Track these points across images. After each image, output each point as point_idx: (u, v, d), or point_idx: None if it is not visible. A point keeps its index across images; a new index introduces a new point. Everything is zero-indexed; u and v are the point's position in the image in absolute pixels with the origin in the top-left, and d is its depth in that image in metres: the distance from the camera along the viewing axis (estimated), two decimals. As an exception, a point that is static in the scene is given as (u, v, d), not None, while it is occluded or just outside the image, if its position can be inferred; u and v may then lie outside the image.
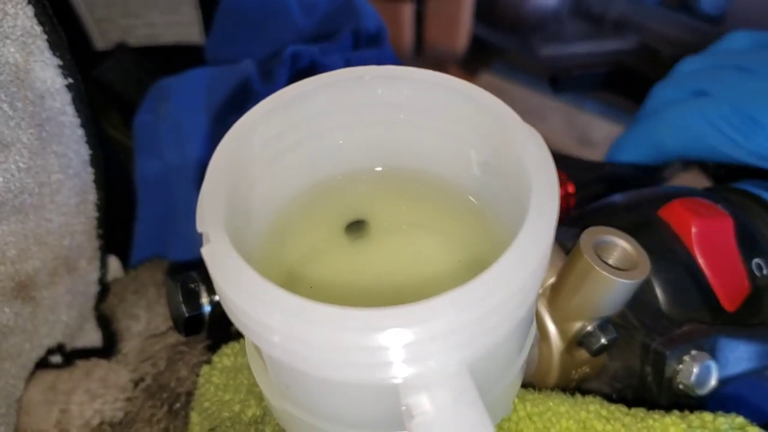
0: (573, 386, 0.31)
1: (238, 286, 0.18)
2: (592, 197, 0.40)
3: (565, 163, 0.41)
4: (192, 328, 0.29)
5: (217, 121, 0.45)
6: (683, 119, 0.40)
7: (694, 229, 0.31)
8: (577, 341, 0.29)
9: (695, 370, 0.27)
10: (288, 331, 0.17)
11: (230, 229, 0.20)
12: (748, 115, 0.36)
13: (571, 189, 0.39)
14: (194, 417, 0.31)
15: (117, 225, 0.42)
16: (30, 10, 0.30)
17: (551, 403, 0.27)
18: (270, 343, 0.18)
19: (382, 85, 0.25)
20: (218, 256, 0.19)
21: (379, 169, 0.28)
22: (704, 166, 0.48)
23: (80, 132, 0.35)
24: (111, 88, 0.53)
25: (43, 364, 0.36)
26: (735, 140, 0.37)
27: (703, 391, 0.27)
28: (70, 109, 0.34)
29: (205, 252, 0.19)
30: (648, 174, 0.45)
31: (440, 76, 0.24)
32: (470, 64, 1.04)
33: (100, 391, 0.34)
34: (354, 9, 0.53)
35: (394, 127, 0.26)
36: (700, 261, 0.31)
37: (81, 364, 0.36)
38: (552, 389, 0.29)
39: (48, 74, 0.32)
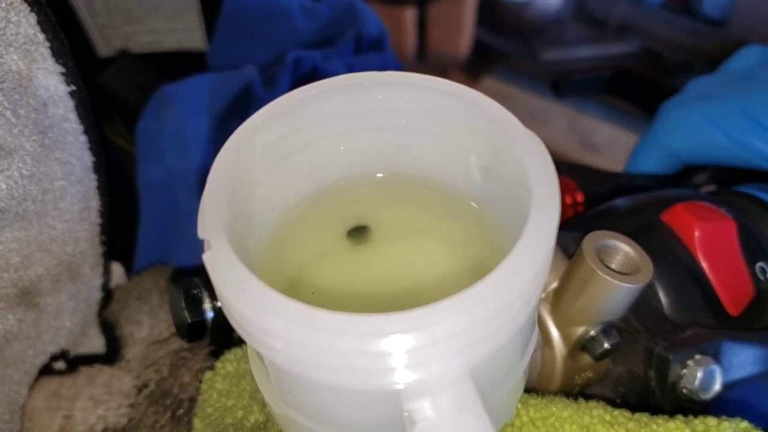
0: (576, 391, 0.31)
1: (239, 292, 0.18)
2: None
3: (577, 173, 0.41)
4: (195, 334, 0.29)
5: (219, 126, 0.45)
6: (688, 120, 0.40)
7: (697, 233, 0.31)
8: (581, 346, 0.29)
9: (699, 374, 0.27)
10: (290, 337, 0.17)
11: (232, 235, 0.20)
12: (754, 118, 0.36)
13: (579, 198, 0.39)
14: (197, 423, 0.31)
15: (120, 231, 0.43)
16: (33, 18, 0.30)
17: (554, 408, 0.27)
18: (272, 350, 0.18)
19: (383, 90, 0.25)
20: (219, 263, 0.19)
21: (380, 174, 0.28)
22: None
23: (83, 139, 0.35)
24: (114, 94, 0.53)
25: (46, 370, 0.36)
26: (740, 142, 0.37)
27: (707, 395, 0.27)
28: (73, 116, 0.34)
29: (207, 258, 0.19)
30: (670, 185, 0.45)
31: (441, 81, 0.24)
32: (473, 69, 1.04)
33: (103, 397, 0.34)
34: (356, 14, 0.53)
35: (395, 132, 0.26)
36: (704, 265, 0.31)
37: (84, 371, 0.36)
38: (555, 394, 0.29)
39: (51, 81, 0.32)
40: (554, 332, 0.29)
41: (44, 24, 0.31)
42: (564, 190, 0.37)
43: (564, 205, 0.37)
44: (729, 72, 0.43)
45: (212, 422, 0.31)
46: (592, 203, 0.39)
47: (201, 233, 0.20)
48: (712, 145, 0.39)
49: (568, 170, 0.40)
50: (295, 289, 0.24)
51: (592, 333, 0.28)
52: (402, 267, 0.25)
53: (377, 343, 0.16)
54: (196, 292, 0.29)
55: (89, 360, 0.37)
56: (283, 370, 0.19)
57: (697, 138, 0.39)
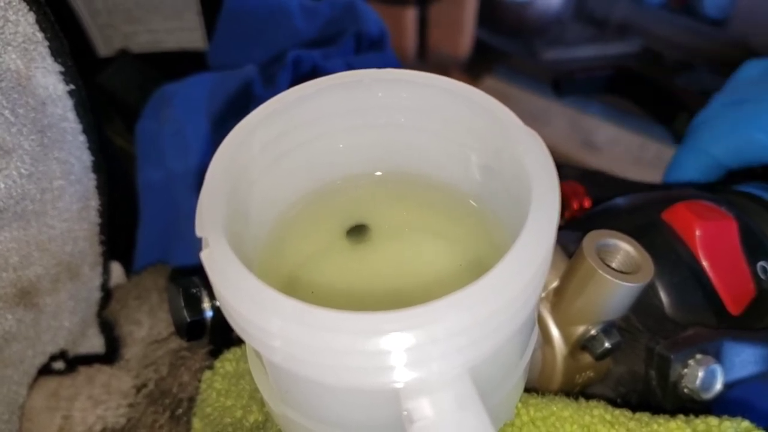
0: (577, 391, 0.31)
1: (237, 290, 0.18)
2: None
3: (588, 179, 0.40)
4: (194, 333, 0.29)
5: (219, 126, 0.45)
6: (725, 124, 0.40)
7: (698, 232, 0.31)
8: (581, 345, 0.29)
9: (700, 374, 0.27)
10: (288, 336, 0.17)
11: (230, 233, 0.20)
12: None
13: (587, 204, 0.38)
14: (196, 423, 0.31)
15: (119, 231, 0.42)
16: (31, 17, 0.30)
17: (555, 408, 0.27)
18: (270, 348, 0.18)
19: (382, 88, 0.25)
20: (217, 261, 0.18)
21: (379, 173, 0.27)
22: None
23: (82, 138, 0.35)
24: (113, 94, 0.53)
25: (45, 370, 0.36)
26: None
27: (709, 395, 0.27)
28: (71, 116, 0.34)
29: (204, 257, 0.19)
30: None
31: (440, 79, 0.24)
32: (473, 69, 1.04)
33: (102, 397, 0.34)
34: (356, 14, 0.53)
35: (394, 130, 0.26)
36: (705, 264, 0.31)
37: (83, 371, 0.35)
38: (556, 394, 0.29)
39: (50, 81, 0.32)
40: (554, 331, 0.29)
41: (43, 23, 0.31)
42: (572, 195, 0.37)
43: (570, 210, 0.37)
44: (743, 80, 0.44)
45: (211, 422, 0.31)
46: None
47: (199, 231, 0.19)
48: (753, 146, 0.39)
49: (579, 176, 0.40)
50: (294, 287, 0.24)
51: (593, 332, 0.28)
52: (401, 265, 0.25)
53: (376, 341, 0.16)
54: (195, 291, 0.29)
55: (88, 360, 0.37)
56: (282, 369, 0.19)
57: (737, 141, 0.40)
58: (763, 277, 0.32)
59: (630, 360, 0.29)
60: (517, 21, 1.03)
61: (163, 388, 0.34)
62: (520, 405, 0.27)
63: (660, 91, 0.59)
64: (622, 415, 0.27)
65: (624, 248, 0.27)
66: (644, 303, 0.29)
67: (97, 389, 0.34)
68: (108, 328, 0.40)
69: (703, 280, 0.30)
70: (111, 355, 0.39)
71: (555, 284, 0.29)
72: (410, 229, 0.26)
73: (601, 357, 0.28)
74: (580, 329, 0.28)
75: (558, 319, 0.29)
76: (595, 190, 0.39)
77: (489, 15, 1.02)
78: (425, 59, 1.03)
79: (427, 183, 0.27)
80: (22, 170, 0.31)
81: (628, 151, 0.89)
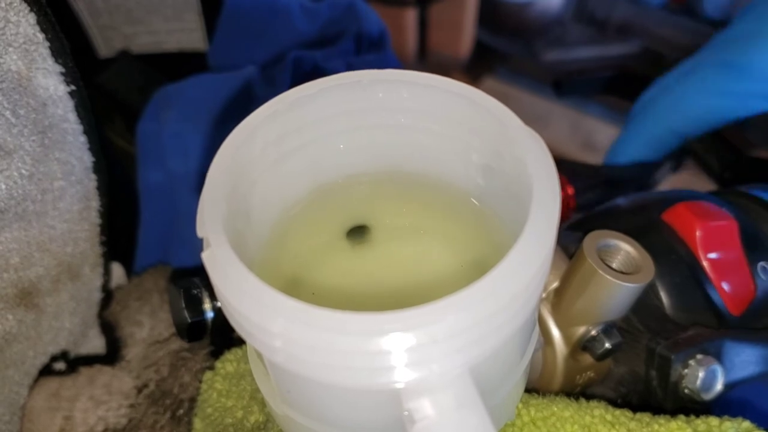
0: (578, 391, 0.31)
1: (238, 291, 0.18)
2: (592, 200, 0.41)
3: (564, 167, 0.41)
4: (195, 334, 0.29)
5: (219, 127, 0.45)
6: (686, 97, 0.41)
7: (698, 233, 0.31)
8: (582, 346, 0.29)
9: (701, 374, 0.27)
10: (289, 336, 0.17)
11: (231, 233, 0.20)
12: (729, 63, 0.37)
13: (570, 191, 0.39)
14: (197, 423, 0.31)
15: (120, 231, 0.42)
16: (32, 18, 0.30)
17: (555, 408, 0.27)
18: (271, 349, 0.18)
19: (383, 88, 0.25)
20: (218, 261, 0.18)
21: (380, 173, 0.27)
22: (708, 168, 0.48)
23: (83, 139, 0.35)
24: (114, 95, 0.53)
25: (46, 371, 0.36)
26: (726, 90, 0.38)
27: (709, 395, 0.27)
28: (72, 116, 0.34)
29: (206, 257, 0.19)
30: (645, 174, 0.46)
31: (441, 79, 0.24)
32: (474, 70, 1.04)
33: (103, 397, 0.34)
34: (356, 14, 0.53)
35: (395, 130, 0.26)
36: (705, 264, 0.31)
37: (84, 371, 0.36)
38: (556, 394, 0.29)
39: (50, 81, 0.32)
40: (555, 332, 0.29)
41: (44, 24, 0.31)
42: None
43: None
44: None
45: (212, 422, 0.31)
46: (580, 195, 0.39)
47: (200, 231, 0.19)
48: (710, 111, 0.39)
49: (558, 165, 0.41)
50: (295, 288, 0.24)
51: (593, 333, 0.28)
52: (402, 266, 0.25)
53: (377, 341, 0.16)
54: (196, 292, 0.29)
55: (89, 360, 0.37)
56: (283, 370, 0.19)
57: (694, 108, 0.40)
58: (763, 277, 0.32)
59: (630, 360, 0.29)
60: (518, 22, 1.03)
61: (164, 388, 0.34)
62: (520, 405, 0.27)
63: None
64: (623, 415, 0.27)
65: (624, 249, 0.27)
66: (645, 303, 0.30)
67: (98, 390, 0.34)
68: (109, 329, 0.40)
69: (704, 281, 0.30)
70: (112, 355, 0.39)
71: (555, 285, 0.29)
72: (411, 229, 0.26)
73: (601, 357, 0.28)
74: (581, 330, 0.28)
75: (558, 320, 0.29)
76: (572, 177, 0.40)
77: (489, 16, 1.02)
78: (425, 60, 1.03)
79: (427, 183, 0.27)
80: (23, 171, 0.31)
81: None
